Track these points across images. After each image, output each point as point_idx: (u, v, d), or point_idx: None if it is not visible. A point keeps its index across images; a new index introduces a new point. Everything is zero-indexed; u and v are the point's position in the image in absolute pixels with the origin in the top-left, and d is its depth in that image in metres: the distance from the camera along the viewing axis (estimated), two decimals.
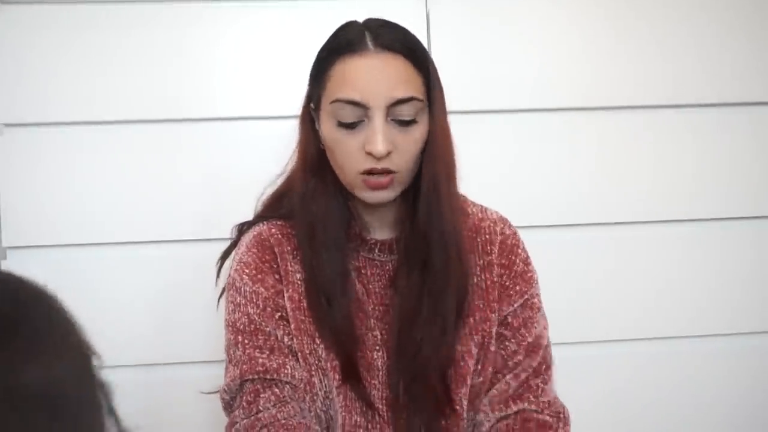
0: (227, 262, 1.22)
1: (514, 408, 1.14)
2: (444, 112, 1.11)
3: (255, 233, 1.17)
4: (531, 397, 1.15)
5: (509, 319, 1.17)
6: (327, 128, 1.07)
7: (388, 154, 1.04)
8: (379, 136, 1.03)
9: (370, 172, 1.05)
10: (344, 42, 1.06)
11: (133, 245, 1.53)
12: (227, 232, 1.47)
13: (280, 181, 1.21)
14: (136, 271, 1.53)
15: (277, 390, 1.08)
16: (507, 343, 1.17)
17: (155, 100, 1.52)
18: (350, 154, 1.06)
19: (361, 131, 1.05)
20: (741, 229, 1.66)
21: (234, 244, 1.20)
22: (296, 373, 1.09)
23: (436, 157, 1.09)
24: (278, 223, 1.17)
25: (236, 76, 1.55)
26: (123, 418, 0.57)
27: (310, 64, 1.12)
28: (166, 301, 1.54)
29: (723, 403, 1.66)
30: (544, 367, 1.18)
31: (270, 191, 1.22)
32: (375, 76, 1.04)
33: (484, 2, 1.58)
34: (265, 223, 1.18)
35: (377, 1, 1.53)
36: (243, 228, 1.21)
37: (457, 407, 1.13)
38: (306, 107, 1.14)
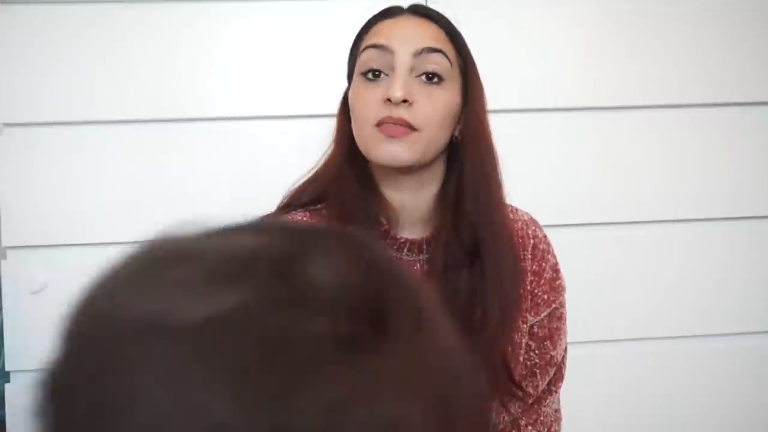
0: None
1: None
2: (482, 99, 1.08)
3: None
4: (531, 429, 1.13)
5: (535, 329, 1.12)
6: (354, 88, 1.05)
7: (408, 104, 1.00)
8: (398, 81, 1.00)
9: (385, 121, 1.00)
10: (380, 13, 1.08)
11: (133, 245, 1.53)
12: None
13: (306, 176, 1.16)
14: None
15: None
16: (531, 354, 1.12)
17: (154, 100, 1.52)
18: (369, 105, 1.01)
19: (383, 82, 1.02)
20: (744, 229, 1.65)
21: None
22: None
23: (480, 141, 1.06)
24: (305, 216, 1.11)
25: (246, 75, 1.54)
26: None
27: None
28: None
29: (725, 403, 1.66)
30: (558, 378, 1.15)
31: (297, 184, 1.16)
32: (404, 28, 1.04)
33: (485, 2, 1.58)
34: (291, 216, 1.11)
35: (377, 1, 1.53)
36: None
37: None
38: (345, 95, 1.11)
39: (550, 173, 1.60)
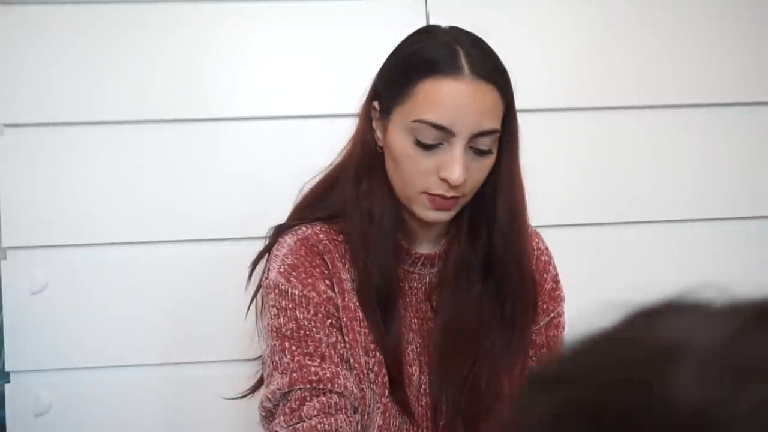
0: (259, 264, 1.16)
1: None
2: (518, 137, 1.09)
3: (300, 236, 1.09)
4: None
5: (534, 336, 1.15)
6: (400, 143, 1.03)
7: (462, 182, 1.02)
8: (458, 165, 1.00)
9: (439, 197, 1.03)
10: (436, 58, 1.01)
11: (132, 246, 1.53)
12: (235, 232, 1.45)
13: (319, 177, 1.16)
14: (137, 271, 1.53)
15: (324, 398, 1.01)
16: (529, 360, 1.14)
17: (155, 100, 1.52)
18: (422, 174, 1.02)
19: (437, 154, 1.01)
20: (743, 229, 1.65)
21: (270, 247, 1.13)
22: (348, 383, 1.03)
23: (514, 186, 1.08)
24: (323, 228, 1.11)
25: (248, 75, 1.54)
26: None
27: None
28: (169, 301, 1.54)
29: None
30: None
31: (309, 187, 1.16)
32: (467, 105, 1.00)
33: (485, 2, 1.58)
34: (308, 226, 1.11)
35: (378, 1, 1.53)
36: (281, 230, 1.13)
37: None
38: (367, 106, 1.09)
39: (549, 173, 1.60)
